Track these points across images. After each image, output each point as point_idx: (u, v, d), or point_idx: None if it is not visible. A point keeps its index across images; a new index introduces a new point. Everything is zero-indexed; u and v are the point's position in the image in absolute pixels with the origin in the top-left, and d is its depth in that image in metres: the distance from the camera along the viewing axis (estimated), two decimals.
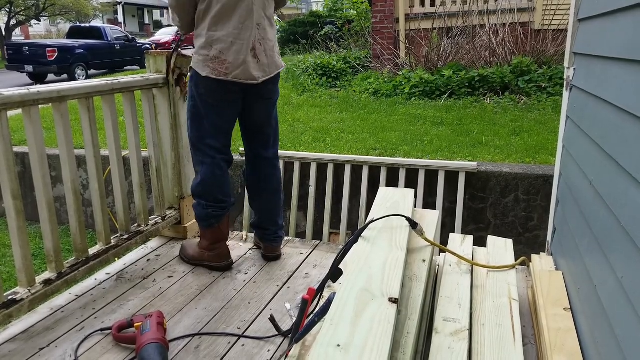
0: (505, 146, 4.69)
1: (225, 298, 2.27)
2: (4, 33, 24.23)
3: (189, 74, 2.43)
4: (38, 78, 14.98)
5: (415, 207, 2.26)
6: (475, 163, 4.08)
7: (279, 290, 2.33)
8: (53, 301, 2.23)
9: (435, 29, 8.19)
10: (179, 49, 2.74)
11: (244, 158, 2.66)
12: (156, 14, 48.48)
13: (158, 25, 42.46)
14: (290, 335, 1.81)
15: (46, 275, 2.14)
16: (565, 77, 2.42)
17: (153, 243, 2.86)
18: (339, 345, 1.20)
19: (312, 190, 4.43)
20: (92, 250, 2.35)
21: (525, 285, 2.31)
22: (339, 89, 8.09)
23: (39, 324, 2.06)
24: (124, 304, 2.22)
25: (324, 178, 4.42)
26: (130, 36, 18.34)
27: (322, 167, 4.43)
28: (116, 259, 2.58)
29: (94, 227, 2.48)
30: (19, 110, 1.98)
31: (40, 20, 29.08)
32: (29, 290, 2.02)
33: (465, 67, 7.23)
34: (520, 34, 7.61)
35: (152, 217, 2.79)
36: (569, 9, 2.37)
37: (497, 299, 1.87)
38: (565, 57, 2.40)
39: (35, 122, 1.99)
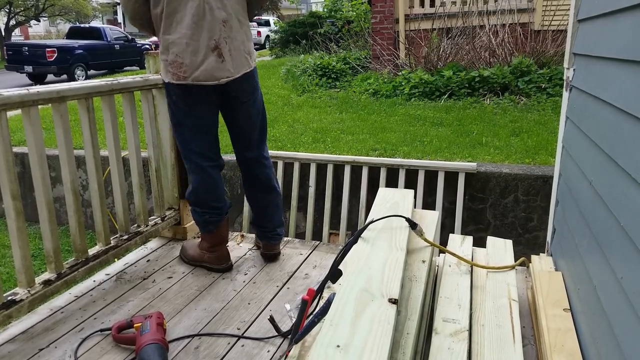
0: (505, 147, 4.70)
1: (224, 299, 2.27)
2: (3, 33, 24.22)
3: None
4: (37, 78, 14.97)
5: (414, 207, 2.26)
6: (475, 164, 4.08)
7: (278, 291, 2.33)
8: (53, 302, 2.22)
9: (435, 29, 8.19)
10: None
11: None
12: None
13: None
14: (289, 336, 1.81)
15: (46, 275, 2.14)
16: (564, 77, 2.42)
17: (153, 244, 2.86)
18: (338, 346, 1.20)
19: (311, 190, 4.43)
20: (91, 251, 2.35)
21: (525, 286, 2.31)
22: (338, 90, 8.09)
23: (39, 325, 2.06)
24: (124, 305, 2.22)
25: (323, 178, 4.42)
26: (130, 37, 18.33)
27: (321, 167, 4.43)
28: (116, 259, 2.58)
29: (93, 228, 2.48)
30: (19, 111, 1.98)
31: (39, 21, 29.06)
32: (29, 290, 2.02)
33: (465, 67, 7.23)
34: (520, 35, 7.61)
35: (152, 217, 2.79)
36: (569, 9, 2.37)
37: (497, 299, 1.87)
38: (565, 58, 2.40)
39: (35, 123, 1.99)
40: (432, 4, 8.63)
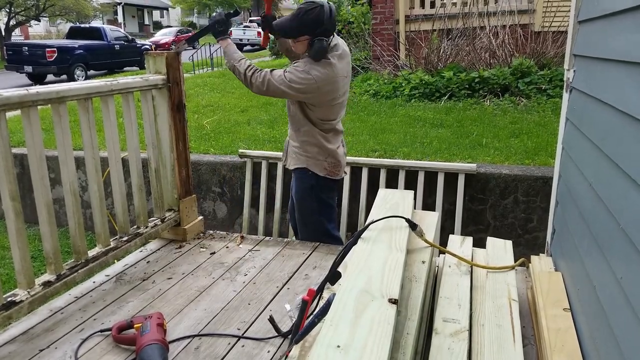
0: (505, 148, 4.69)
1: (224, 299, 2.27)
2: (3, 33, 24.22)
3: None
4: (37, 79, 14.96)
5: (414, 208, 2.26)
6: (475, 164, 4.08)
7: (278, 291, 2.33)
8: (52, 303, 2.22)
9: (435, 30, 8.19)
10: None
11: (243, 160, 2.70)
12: (156, 15, 48.54)
13: (158, 26, 42.52)
14: (290, 336, 1.81)
15: (45, 277, 2.14)
16: (565, 79, 2.42)
17: (152, 245, 2.86)
18: (338, 346, 1.20)
19: None
20: (91, 252, 2.35)
21: (525, 286, 2.31)
22: None
23: (39, 326, 2.06)
24: (124, 306, 2.22)
25: None
26: (130, 37, 18.34)
27: None
28: (115, 260, 2.58)
29: (93, 229, 2.48)
30: (18, 111, 1.98)
31: (40, 21, 29.06)
32: (28, 292, 2.02)
33: (465, 68, 7.23)
34: (520, 36, 7.61)
35: (152, 219, 2.79)
36: (569, 10, 2.37)
37: (497, 299, 1.87)
38: (565, 59, 2.40)
39: (34, 124, 1.99)
40: (433, 5, 8.63)
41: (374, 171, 4.26)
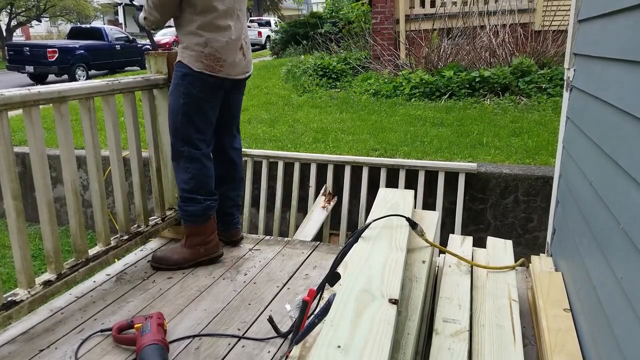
0: (505, 147, 4.69)
1: (225, 299, 2.27)
2: (4, 34, 24.24)
3: (175, 71, 2.48)
4: (38, 79, 14.97)
5: (415, 208, 2.26)
6: (475, 164, 4.08)
7: (279, 291, 2.33)
8: (53, 302, 2.22)
9: (435, 29, 8.18)
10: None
11: (244, 159, 2.71)
12: None
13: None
14: (290, 336, 1.81)
15: (46, 276, 2.14)
16: (565, 78, 2.42)
17: (153, 244, 2.86)
18: (339, 346, 1.20)
19: (312, 191, 4.43)
20: (92, 251, 2.35)
21: (525, 286, 2.30)
22: (339, 90, 8.09)
23: (39, 326, 2.06)
24: (124, 305, 2.22)
25: (324, 179, 4.42)
26: (131, 37, 18.34)
27: (322, 167, 4.43)
28: (116, 259, 2.58)
29: (93, 228, 2.48)
30: (20, 111, 1.98)
31: (40, 21, 29.07)
32: (29, 291, 2.02)
33: (466, 68, 7.23)
34: (521, 35, 7.61)
35: (152, 217, 2.79)
36: (569, 10, 2.37)
37: (497, 299, 1.87)
38: (566, 58, 2.40)
39: (36, 123, 1.99)
40: (433, 5, 8.63)
41: (374, 170, 4.26)
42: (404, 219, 1.91)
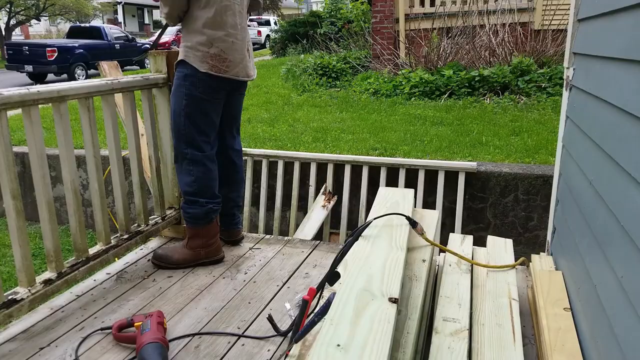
0: (505, 146, 4.69)
1: (225, 298, 2.27)
2: (3, 33, 24.21)
3: (177, 71, 2.46)
4: (38, 78, 14.97)
5: (415, 207, 2.26)
6: (475, 163, 4.08)
7: (279, 290, 2.33)
8: (53, 301, 2.23)
9: (435, 29, 8.19)
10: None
11: (244, 158, 2.70)
12: (156, 14, 48.42)
13: (158, 25, 42.44)
14: (290, 335, 1.81)
15: (46, 275, 2.14)
16: (564, 77, 2.42)
17: (153, 243, 2.86)
18: (339, 345, 1.20)
19: (312, 190, 4.43)
20: (92, 250, 2.35)
21: (525, 285, 2.31)
22: (338, 89, 8.09)
23: (39, 324, 2.06)
24: (124, 304, 2.22)
25: (324, 178, 4.42)
26: (130, 36, 18.33)
27: (322, 167, 4.43)
28: (116, 258, 2.58)
29: (93, 227, 2.48)
30: (19, 110, 1.98)
31: (40, 20, 29.06)
32: (29, 290, 2.02)
33: (465, 67, 7.23)
34: (520, 34, 7.61)
35: (152, 217, 2.79)
36: (569, 9, 2.37)
37: (497, 298, 1.87)
38: (565, 57, 2.40)
39: (35, 122, 1.99)
40: (432, 4, 8.63)
41: (374, 169, 4.26)
42: (404, 217, 1.92)
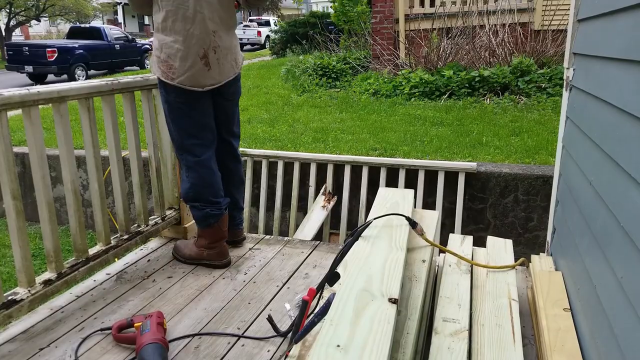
0: (505, 146, 4.70)
1: (225, 298, 2.27)
2: (3, 33, 24.22)
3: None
4: (38, 78, 14.96)
5: (414, 207, 2.26)
6: (475, 163, 4.08)
7: (278, 291, 2.33)
8: (53, 301, 2.23)
9: (434, 29, 8.19)
10: None
11: (243, 158, 2.69)
12: None
13: None
14: (289, 335, 1.81)
15: (46, 275, 2.14)
16: (564, 77, 2.42)
17: (153, 243, 2.86)
18: (338, 346, 1.20)
19: (311, 190, 4.43)
20: (92, 251, 2.35)
21: (525, 286, 2.31)
22: (338, 90, 8.09)
23: (39, 324, 2.06)
24: (124, 304, 2.22)
25: (323, 178, 4.42)
26: (130, 36, 18.33)
27: (322, 167, 4.43)
28: (116, 259, 2.58)
29: (93, 228, 2.48)
30: (19, 111, 1.98)
31: (40, 21, 29.04)
32: (29, 290, 2.02)
33: (465, 67, 7.23)
34: (520, 35, 7.61)
35: (152, 217, 2.79)
36: (569, 9, 2.37)
37: (497, 299, 1.87)
38: (565, 58, 2.40)
39: (35, 123, 1.99)
40: (432, 4, 8.63)
41: (374, 170, 4.26)
42: (404, 218, 1.92)
